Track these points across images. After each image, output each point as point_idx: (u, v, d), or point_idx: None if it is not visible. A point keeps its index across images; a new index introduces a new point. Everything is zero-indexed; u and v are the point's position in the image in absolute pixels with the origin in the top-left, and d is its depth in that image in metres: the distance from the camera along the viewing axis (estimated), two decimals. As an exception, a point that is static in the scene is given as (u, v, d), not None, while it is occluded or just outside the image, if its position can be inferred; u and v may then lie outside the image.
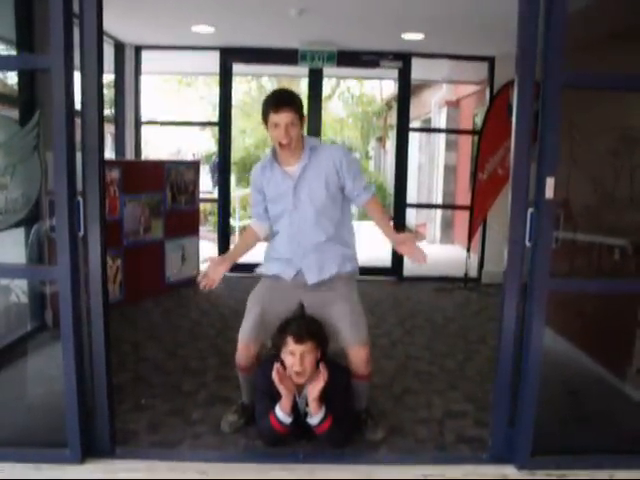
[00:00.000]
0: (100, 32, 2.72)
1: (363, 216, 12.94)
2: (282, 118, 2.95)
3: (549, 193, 2.69)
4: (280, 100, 3.02)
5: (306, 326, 3.03)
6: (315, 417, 2.98)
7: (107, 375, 2.91)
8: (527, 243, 2.79)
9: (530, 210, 2.76)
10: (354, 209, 3.50)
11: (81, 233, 2.76)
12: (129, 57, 7.04)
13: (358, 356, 3.14)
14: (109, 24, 5.53)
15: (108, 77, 7.03)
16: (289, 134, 2.97)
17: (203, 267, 3.19)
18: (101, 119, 2.75)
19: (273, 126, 2.99)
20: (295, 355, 2.95)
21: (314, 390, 2.96)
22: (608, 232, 2.95)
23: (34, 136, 2.75)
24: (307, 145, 3.11)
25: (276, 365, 3.00)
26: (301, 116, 3.04)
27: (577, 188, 2.89)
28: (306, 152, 3.09)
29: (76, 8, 2.66)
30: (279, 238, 3.22)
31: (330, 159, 3.10)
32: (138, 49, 7.08)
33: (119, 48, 6.90)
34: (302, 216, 3.10)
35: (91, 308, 2.84)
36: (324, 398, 2.98)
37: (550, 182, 2.69)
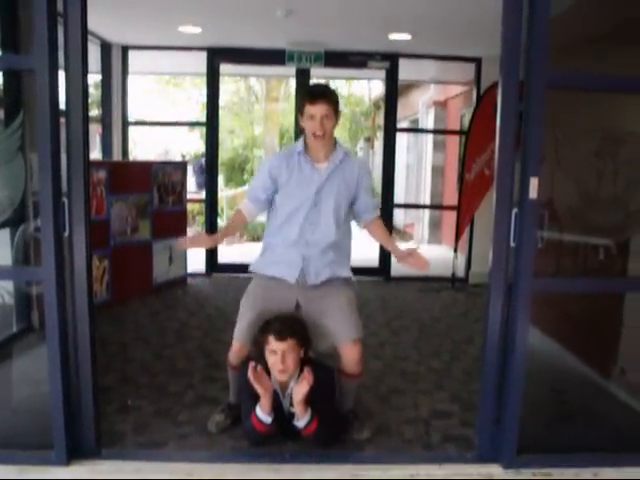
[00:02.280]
0: (85, 31, 2.72)
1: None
2: (318, 110, 3.02)
3: (533, 193, 2.71)
4: (317, 92, 3.11)
5: (287, 324, 3.02)
6: (301, 420, 2.98)
7: (93, 376, 2.90)
8: (512, 243, 2.81)
9: (514, 210, 2.79)
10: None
11: (66, 233, 2.76)
12: (116, 57, 7.02)
13: (351, 353, 3.13)
14: (95, 24, 5.55)
15: (95, 77, 7.01)
16: (324, 126, 3.04)
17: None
18: (86, 120, 2.75)
19: (309, 117, 3.05)
20: (277, 353, 2.95)
21: (299, 393, 2.96)
22: (592, 232, 2.96)
23: (18, 137, 2.75)
24: (341, 149, 3.18)
25: (251, 364, 2.99)
26: (336, 111, 3.10)
27: (561, 188, 2.91)
28: (339, 154, 3.16)
29: (60, 8, 2.66)
30: (283, 233, 3.20)
31: (356, 169, 3.21)
32: (125, 49, 7.06)
33: (106, 48, 6.88)
34: (319, 214, 3.13)
35: (76, 308, 2.83)
36: (310, 399, 2.99)
37: (534, 182, 2.71)
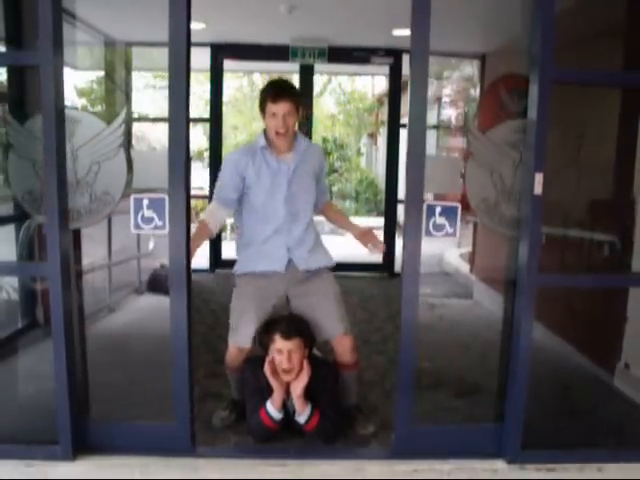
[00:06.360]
0: (188, 32, 2.78)
1: (354, 212, 12.97)
2: (280, 108, 3.00)
3: (538, 189, 2.71)
4: (279, 90, 3.06)
5: (293, 323, 3.05)
6: (302, 415, 3.00)
7: (189, 375, 2.93)
8: (423, 235, 2.84)
9: (426, 203, 2.81)
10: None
11: (166, 230, 2.79)
12: (119, 53, 7.00)
13: (343, 344, 3.18)
14: (99, 21, 5.54)
15: (99, 74, 7.01)
16: (286, 124, 3.02)
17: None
18: (187, 120, 2.77)
19: (271, 115, 3.03)
20: (283, 352, 2.95)
21: (297, 388, 2.97)
22: (507, 224, 2.95)
23: (120, 134, 2.79)
24: (302, 138, 3.18)
25: (268, 358, 3.01)
26: (298, 107, 3.08)
27: (476, 180, 2.92)
28: (302, 144, 3.15)
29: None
30: (263, 228, 3.18)
31: (317, 156, 3.26)
32: (128, 45, 7.04)
33: (109, 44, 6.86)
34: (296, 204, 3.15)
35: (175, 306, 2.85)
36: (311, 395, 3.00)
37: (539, 178, 2.71)
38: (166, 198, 2.78)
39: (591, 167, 4.11)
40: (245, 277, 3.23)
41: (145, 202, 2.80)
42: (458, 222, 2.85)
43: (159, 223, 2.80)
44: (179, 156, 2.75)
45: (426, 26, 2.75)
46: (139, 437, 2.98)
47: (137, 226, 2.82)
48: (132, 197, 2.80)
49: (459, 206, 2.84)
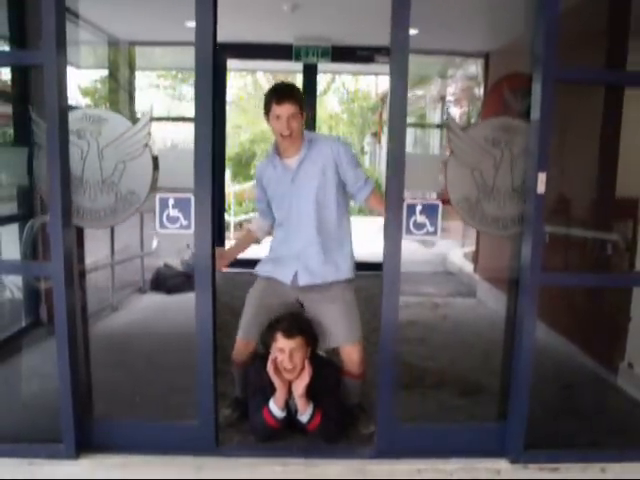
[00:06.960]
0: (215, 33, 2.74)
1: (360, 211, 12.96)
2: (284, 110, 3.02)
3: (541, 188, 2.70)
4: (283, 93, 3.09)
5: (295, 322, 3.05)
6: (304, 415, 3.00)
7: (214, 378, 2.94)
8: (404, 235, 2.80)
9: (406, 202, 2.78)
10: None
11: (191, 230, 2.82)
12: (123, 53, 7.01)
13: (350, 355, 3.17)
14: (102, 20, 5.55)
15: (102, 73, 7.02)
16: (290, 126, 3.03)
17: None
18: (213, 120, 2.81)
19: (275, 118, 3.05)
20: (285, 351, 2.95)
21: (299, 387, 2.97)
22: (491, 223, 2.93)
23: (145, 134, 2.81)
24: (307, 137, 3.16)
25: (271, 357, 3.01)
26: (302, 109, 3.09)
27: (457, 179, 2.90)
28: (305, 144, 3.13)
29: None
30: (279, 232, 3.28)
31: (328, 149, 3.14)
32: (132, 45, 7.04)
33: (113, 44, 6.86)
34: (302, 208, 3.14)
35: (200, 305, 2.91)
36: (313, 394, 3.00)
37: (542, 177, 2.70)
38: (192, 198, 2.79)
39: (578, 165, 4.13)
40: (259, 277, 3.32)
41: (171, 201, 2.82)
42: (439, 220, 2.83)
43: (184, 223, 2.82)
44: (205, 156, 2.78)
45: (405, 20, 2.72)
46: (146, 436, 2.99)
47: (163, 225, 2.84)
48: (157, 196, 2.82)
49: (440, 204, 2.83)
